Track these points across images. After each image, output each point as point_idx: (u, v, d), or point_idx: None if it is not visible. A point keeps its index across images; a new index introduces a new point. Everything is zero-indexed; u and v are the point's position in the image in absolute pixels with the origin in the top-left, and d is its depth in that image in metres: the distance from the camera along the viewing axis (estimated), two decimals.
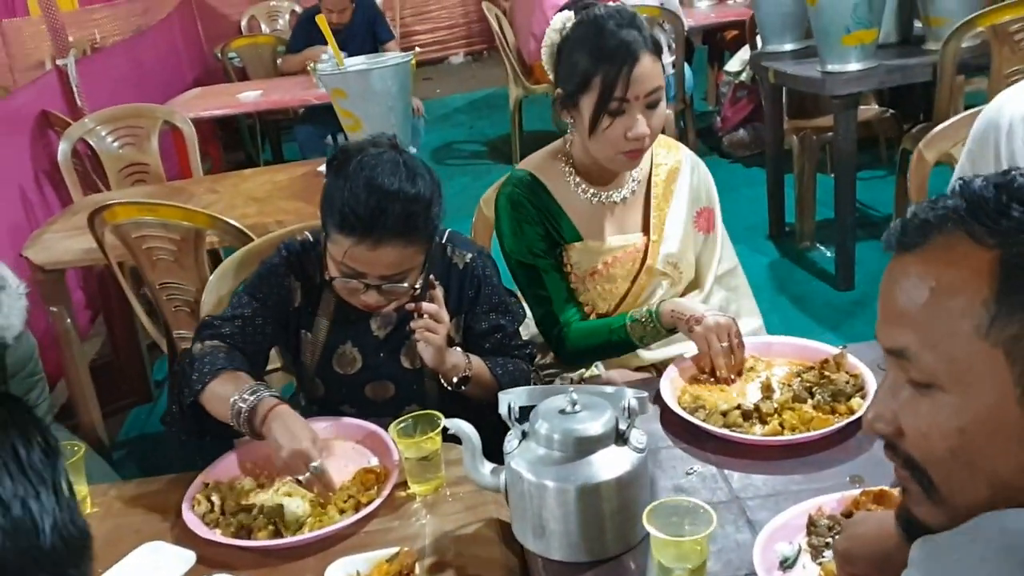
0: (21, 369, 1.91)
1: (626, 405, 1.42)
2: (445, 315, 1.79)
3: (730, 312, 2.06)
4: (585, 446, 1.39)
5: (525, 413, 1.47)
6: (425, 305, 1.77)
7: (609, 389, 1.50)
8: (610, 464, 1.38)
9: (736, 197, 5.01)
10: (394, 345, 1.93)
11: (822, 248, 4.39)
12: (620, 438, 1.41)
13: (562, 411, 1.42)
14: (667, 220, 2.12)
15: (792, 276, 4.24)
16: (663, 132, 2.12)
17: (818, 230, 4.45)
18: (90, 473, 1.95)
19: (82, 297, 4.26)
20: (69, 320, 3.12)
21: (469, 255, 1.96)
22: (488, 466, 1.49)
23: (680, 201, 2.14)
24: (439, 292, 1.82)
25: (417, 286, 1.79)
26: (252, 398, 1.65)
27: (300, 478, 1.59)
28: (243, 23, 8.20)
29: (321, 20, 3.72)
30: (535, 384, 2.04)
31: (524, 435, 1.44)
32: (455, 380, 1.84)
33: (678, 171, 2.16)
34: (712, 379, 1.84)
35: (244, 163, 6.68)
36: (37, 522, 0.78)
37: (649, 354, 2.14)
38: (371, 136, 1.82)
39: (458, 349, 1.89)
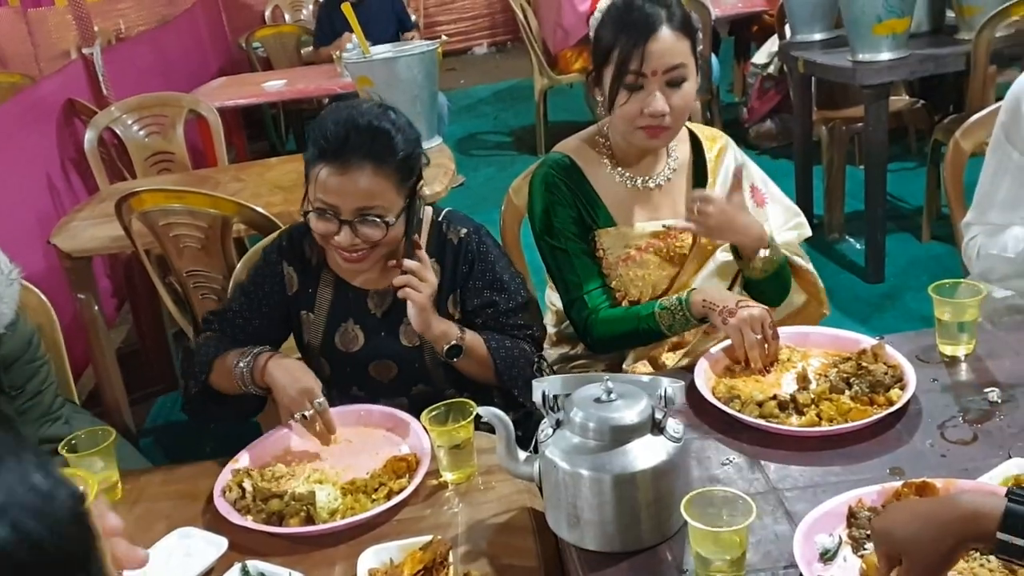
0: (18, 358, 1.88)
1: (662, 394, 1.40)
2: (430, 275, 1.80)
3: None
4: (620, 435, 1.36)
5: (560, 402, 1.45)
6: (407, 262, 1.78)
7: (645, 378, 1.48)
8: (646, 453, 1.36)
9: None
10: (392, 323, 1.92)
11: (851, 240, 4.35)
12: (656, 427, 1.39)
13: (597, 399, 1.40)
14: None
15: (821, 268, 4.10)
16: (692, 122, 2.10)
17: (847, 222, 4.40)
18: (120, 459, 1.96)
19: (108, 285, 4.28)
20: (96, 307, 3.12)
21: (464, 231, 1.95)
22: (522, 455, 1.47)
23: (727, 180, 2.10)
24: (423, 254, 1.83)
25: (390, 221, 1.77)
26: (249, 357, 1.76)
27: (306, 414, 1.68)
28: (267, 13, 8.23)
29: (347, 8, 3.70)
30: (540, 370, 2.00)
31: (559, 423, 1.42)
32: (445, 348, 1.82)
33: (724, 151, 2.14)
34: (746, 369, 1.81)
35: (268, 153, 6.70)
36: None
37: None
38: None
39: (452, 322, 1.88)
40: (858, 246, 4.23)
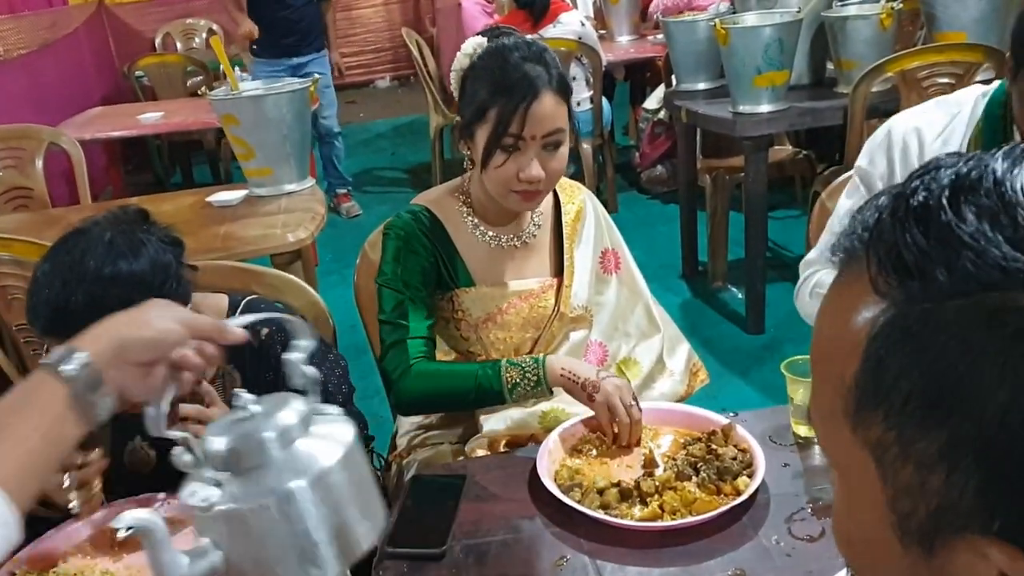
0: None
1: None
2: (213, 412, 1.55)
3: (660, 340, 2.04)
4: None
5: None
6: (184, 407, 1.54)
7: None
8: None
9: (652, 234, 4.95)
10: None
11: (734, 289, 4.31)
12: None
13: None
14: (576, 264, 2.00)
15: (703, 317, 4.15)
16: (583, 172, 2.00)
17: (731, 270, 4.37)
18: None
19: None
20: None
21: (265, 330, 1.71)
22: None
23: (586, 244, 2.04)
24: (207, 387, 1.58)
25: None
26: None
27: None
28: (157, 41, 7.95)
29: (215, 42, 3.54)
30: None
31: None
32: None
33: (583, 212, 2.05)
34: (598, 446, 1.69)
35: (152, 186, 6.44)
36: None
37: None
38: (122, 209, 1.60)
39: None
40: (739, 295, 4.20)
